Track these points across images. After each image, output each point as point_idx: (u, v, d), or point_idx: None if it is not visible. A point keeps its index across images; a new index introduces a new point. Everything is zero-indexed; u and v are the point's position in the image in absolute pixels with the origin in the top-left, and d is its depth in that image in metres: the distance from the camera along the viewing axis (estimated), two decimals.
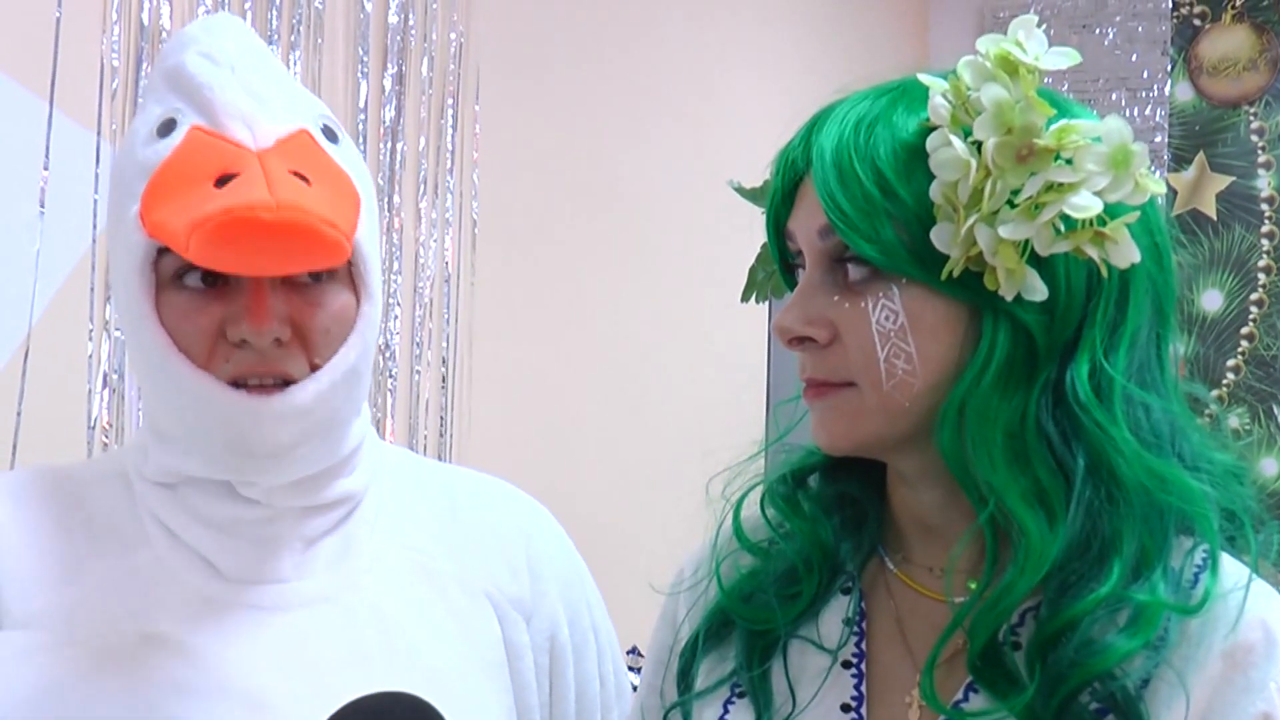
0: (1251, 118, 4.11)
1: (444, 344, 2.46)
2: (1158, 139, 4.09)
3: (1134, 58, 4.17)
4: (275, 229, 0.97)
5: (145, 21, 1.96)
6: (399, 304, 2.38)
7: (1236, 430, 1.06)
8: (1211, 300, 4.11)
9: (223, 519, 1.09)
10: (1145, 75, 4.19)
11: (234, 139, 1.03)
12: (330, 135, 1.10)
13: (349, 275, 1.08)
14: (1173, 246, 0.95)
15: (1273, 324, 4.10)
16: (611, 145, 2.96)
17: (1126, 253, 0.88)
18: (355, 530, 1.14)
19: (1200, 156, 4.13)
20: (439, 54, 2.46)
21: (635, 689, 1.20)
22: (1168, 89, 4.16)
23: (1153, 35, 4.18)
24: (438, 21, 2.46)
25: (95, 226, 1.88)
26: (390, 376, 2.31)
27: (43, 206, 1.82)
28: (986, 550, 0.92)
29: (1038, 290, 0.89)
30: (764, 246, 1.06)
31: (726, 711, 1.00)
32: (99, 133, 1.89)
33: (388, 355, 2.32)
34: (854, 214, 0.91)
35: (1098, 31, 4.19)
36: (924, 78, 0.92)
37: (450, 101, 2.47)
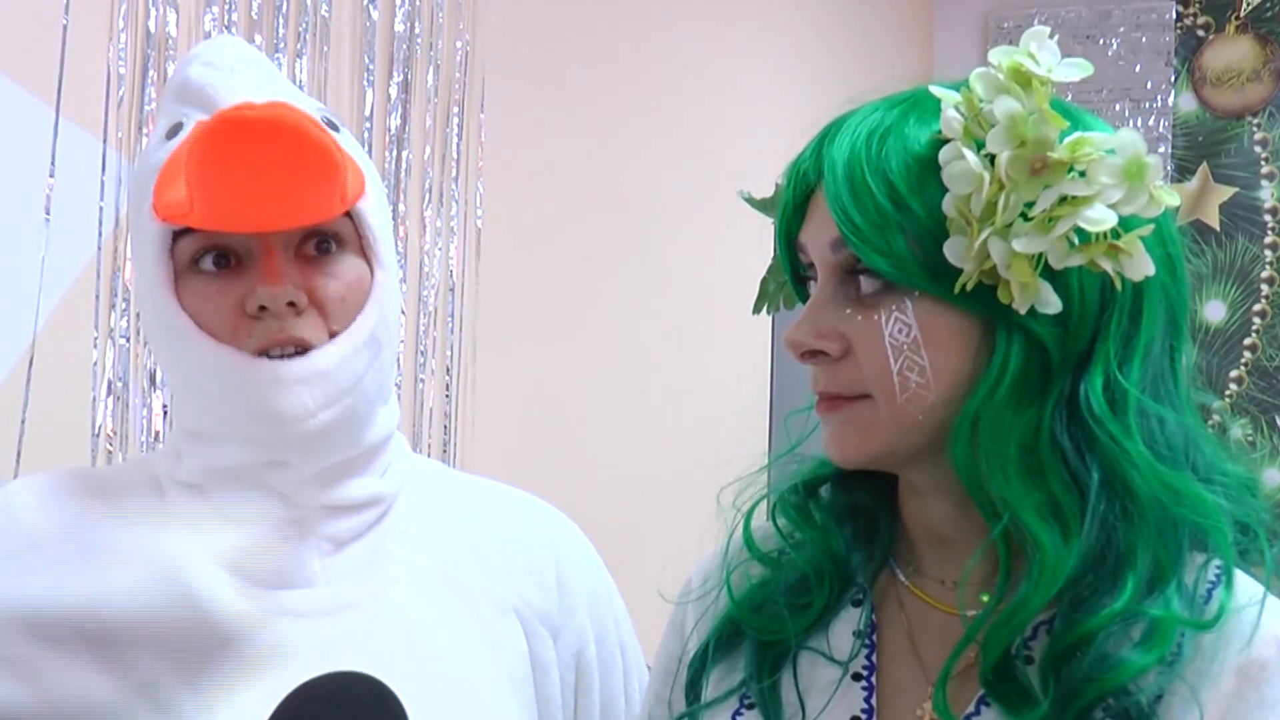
0: (1255, 128, 4.12)
1: (448, 352, 2.46)
2: (1161, 150, 4.10)
3: (1138, 68, 4.17)
4: (262, 125, 1.00)
5: (152, 29, 1.96)
6: (403, 311, 2.38)
7: (1251, 441, 1.06)
8: (1214, 311, 4.11)
9: (253, 517, 1.09)
10: (1149, 86, 4.19)
11: None
12: (332, 126, 1.13)
13: (360, 247, 1.11)
14: (1185, 257, 0.95)
15: (1276, 335, 4.10)
16: (617, 153, 2.96)
17: (1141, 266, 0.88)
18: (385, 538, 1.14)
19: (1203, 167, 4.14)
20: (445, 62, 2.46)
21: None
22: (1171, 100, 4.17)
23: (1156, 46, 4.18)
24: (444, 30, 2.46)
25: (100, 234, 1.88)
26: (394, 385, 2.31)
27: (48, 214, 1.82)
28: (1000, 564, 0.92)
29: (1051, 303, 0.88)
30: (775, 258, 1.06)
31: None
32: (105, 140, 1.89)
33: None
34: (866, 227, 0.90)
35: (1101, 42, 4.20)
36: (936, 89, 0.92)
37: (456, 110, 2.47)
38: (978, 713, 0.92)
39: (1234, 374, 4.12)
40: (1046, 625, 0.92)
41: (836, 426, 0.95)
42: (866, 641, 0.98)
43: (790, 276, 1.00)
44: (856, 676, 0.97)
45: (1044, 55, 0.89)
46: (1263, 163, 4.10)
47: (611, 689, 1.23)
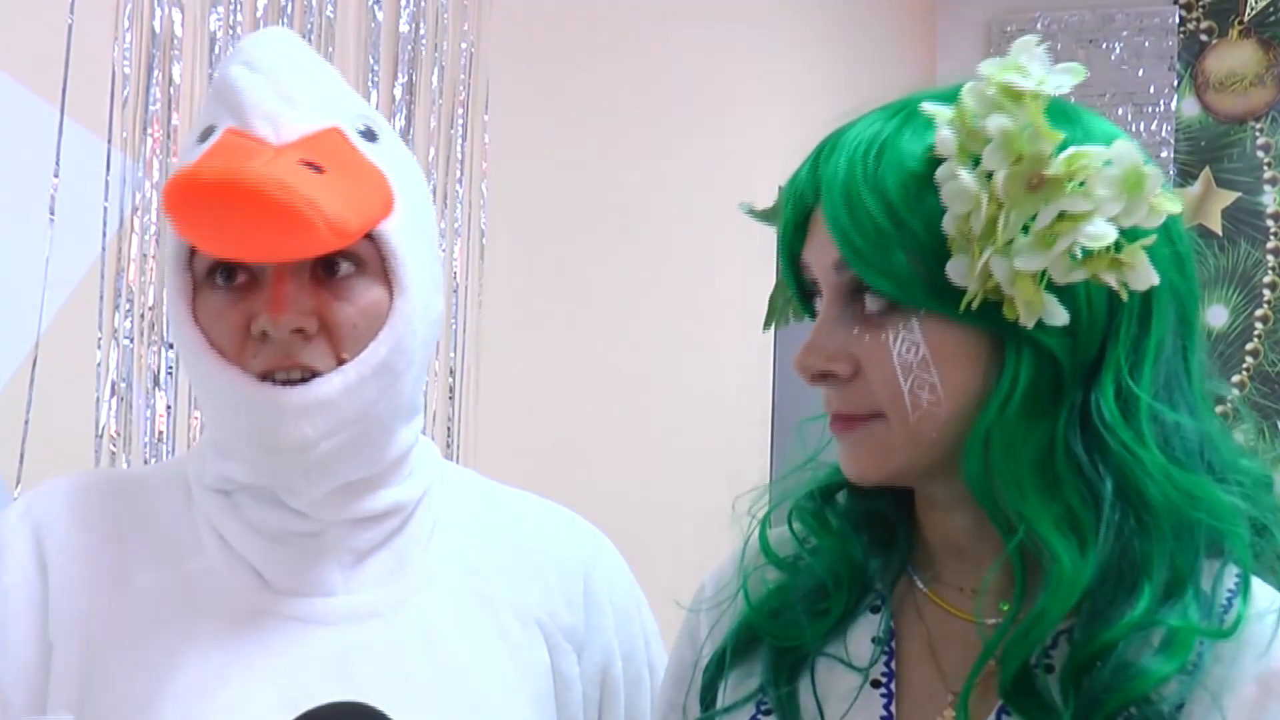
0: (1258, 133, 4.11)
1: (451, 354, 2.45)
2: (1163, 154, 4.09)
3: (1140, 73, 4.17)
4: (213, 190, 0.97)
5: (157, 29, 1.95)
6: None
7: (1252, 447, 1.05)
8: (1216, 316, 4.11)
9: (273, 529, 1.09)
10: (1151, 90, 4.19)
11: (258, 136, 1.04)
12: (369, 135, 1.10)
13: (382, 270, 1.07)
14: (1195, 254, 0.94)
15: (1278, 340, 4.09)
16: (621, 157, 2.96)
17: (1145, 276, 0.87)
18: (408, 547, 1.13)
19: (1206, 172, 4.13)
20: (449, 64, 2.46)
21: None
22: (1174, 104, 4.16)
23: (1159, 50, 4.18)
24: (448, 32, 2.46)
25: (105, 235, 1.88)
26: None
27: (52, 214, 1.81)
28: (1015, 576, 0.92)
29: (1058, 315, 0.87)
30: (780, 274, 1.05)
31: None
32: (109, 140, 1.89)
33: None
34: (867, 248, 0.89)
35: (1104, 46, 4.19)
36: (928, 107, 0.90)
37: (460, 111, 2.47)
38: None
39: (1236, 379, 4.11)
40: (1066, 634, 0.91)
41: (852, 446, 0.94)
42: (885, 648, 0.98)
43: (796, 293, 0.99)
44: (875, 683, 0.97)
45: (1034, 66, 0.87)
46: (1265, 168, 4.09)
47: (638, 707, 1.22)
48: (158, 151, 1.96)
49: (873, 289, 0.90)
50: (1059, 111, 0.90)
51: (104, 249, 1.88)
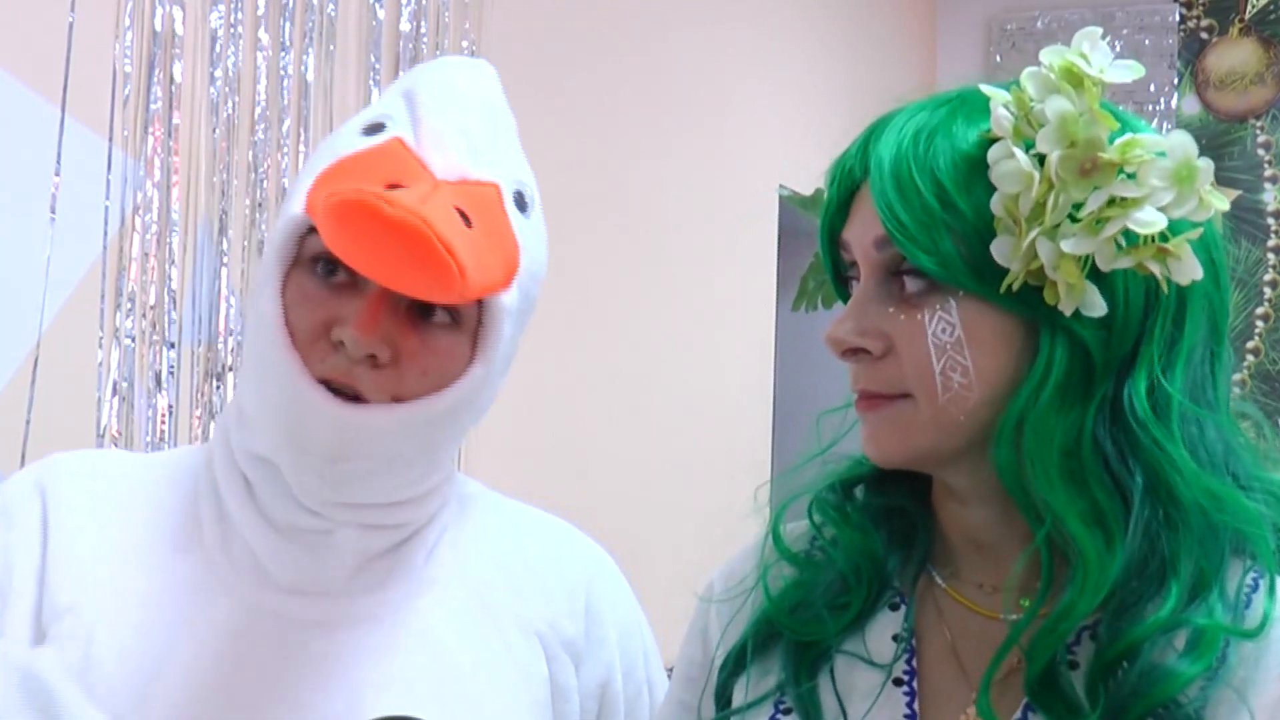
0: (1258, 131, 4.11)
1: None
2: None
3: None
4: (390, 225, 0.96)
5: (158, 28, 1.94)
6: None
7: (1262, 431, 1.06)
8: None
9: (283, 521, 1.08)
10: (1152, 88, 4.19)
11: (424, 160, 1.03)
12: (520, 203, 1.09)
13: (474, 332, 1.06)
14: (1229, 264, 0.94)
15: (1278, 339, 4.09)
16: (622, 156, 2.96)
17: (1189, 269, 0.87)
18: (412, 553, 1.12)
19: None
20: None
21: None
22: (1174, 102, 4.16)
23: (1160, 48, 4.18)
24: (449, 30, 2.45)
25: (106, 234, 1.87)
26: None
27: (53, 213, 1.80)
28: (1042, 569, 0.91)
29: (1097, 306, 0.87)
30: (816, 255, 1.05)
31: None
32: (110, 139, 1.88)
33: None
34: (912, 226, 0.89)
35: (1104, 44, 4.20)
36: (986, 88, 0.91)
37: None
38: (1024, 718, 0.91)
39: (1236, 378, 4.12)
40: (1090, 630, 0.91)
41: (876, 425, 0.94)
42: (907, 646, 0.97)
43: (832, 275, 0.99)
44: (897, 681, 0.96)
45: (1096, 56, 0.88)
46: (1266, 165, 4.09)
47: None
48: (159, 150, 1.95)
49: (915, 267, 0.90)
50: (1109, 111, 0.90)
51: (105, 248, 1.87)
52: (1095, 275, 0.87)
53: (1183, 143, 0.86)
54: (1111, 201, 0.86)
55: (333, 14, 2.23)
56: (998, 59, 4.27)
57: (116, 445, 1.87)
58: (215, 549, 1.09)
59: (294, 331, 1.03)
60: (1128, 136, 0.87)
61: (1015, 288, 0.88)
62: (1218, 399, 0.93)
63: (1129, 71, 0.89)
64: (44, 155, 1.80)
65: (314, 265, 1.05)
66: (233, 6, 2.05)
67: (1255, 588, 0.90)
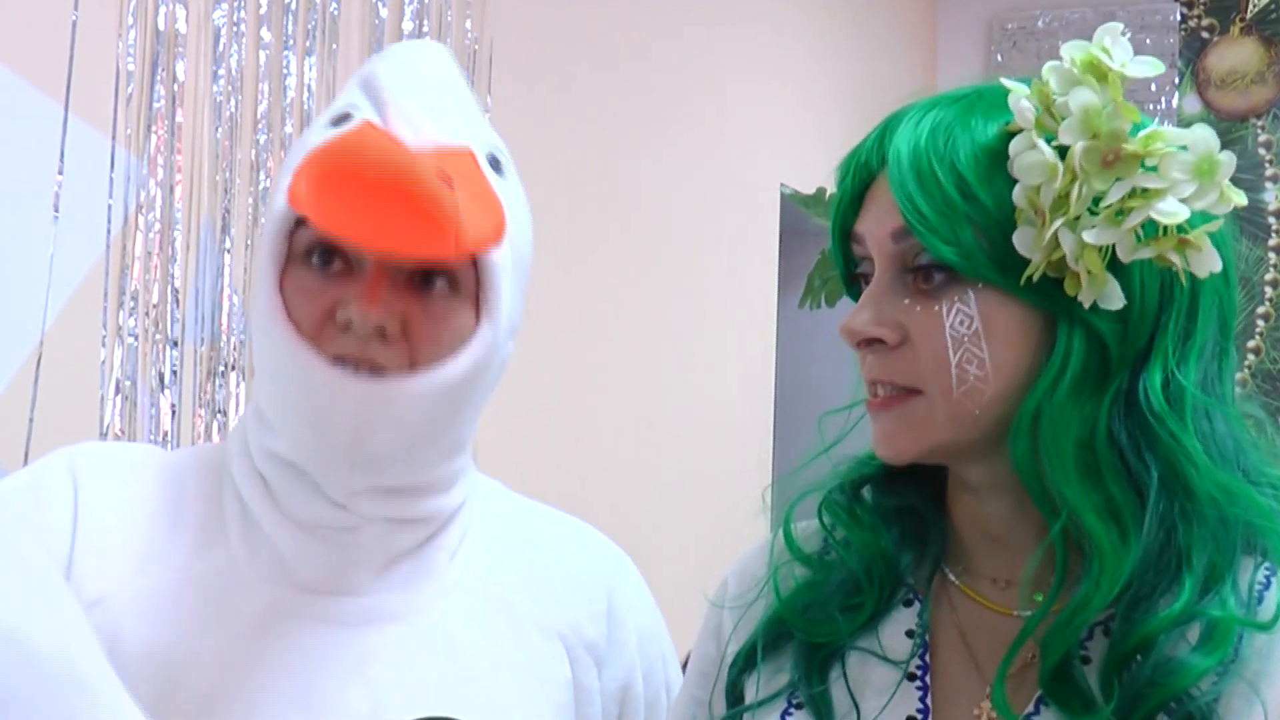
0: (1259, 131, 4.11)
1: None
2: None
3: None
4: (377, 178, 0.98)
5: (161, 26, 1.94)
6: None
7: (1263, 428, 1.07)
8: None
9: (308, 519, 1.07)
10: (1153, 88, 4.19)
11: (396, 135, 1.04)
12: (495, 165, 1.10)
13: (474, 296, 1.06)
14: (1237, 263, 0.94)
15: (1279, 338, 4.10)
16: (625, 153, 2.96)
17: (1209, 261, 0.87)
18: (435, 553, 1.12)
19: None
20: None
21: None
22: (1175, 102, 4.16)
23: (1161, 47, 4.18)
24: (451, 29, 2.45)
25: (109, 232, 1.87)
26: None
27: (57, 211, 1.80)
28: (1057, 563, 0.91)
29: (1116, 298, 0.88)
30: (823, 253, 1.05)
31: None
32: (114, 137, 1.88)
33: None
34: (933, 217, 0.89)
35: None
36: (1006, 81, 0.91)
37: None
38: (1037, 712, 0.91)
39: (1238, 377, 4.11)
40: (1102, 625, 0.91)
41: (889, 424, 0.94)
42: (921, 642, 0.97)
43: (841, 270, 0.99)
44: (911, 677, 0.96)
45: (1117, 51, 0.89)
46: (1267, 165, 4.09)
47: None
48: (162, 149, 1.95)
49: (933, 259, 0.90)
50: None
51: (108, 246, 1.87)
52: (1112, 268, 0.88)
53: (1205, 136, 0.87)
54: (1133, 193, 0.86)
55: (335, 13, 2.23)
56: (998, 58, 4.27)
57: None
58: (239, 547, 1.09)
59: (299, 324, 1.04)
60: (1150, 129, 0.88)
61: (1036, 279, 0.88)
62: (1225, 395, 0.93)
63: (1150, 67, 0.89)
64: (47, 154, 1.80)
65: (308, 258, 1.05)
66: (236, 5, 2.05)
67: (1268, 584, 0.91)
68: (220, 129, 2.03)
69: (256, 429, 1.10)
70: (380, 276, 1.03)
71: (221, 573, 1.07)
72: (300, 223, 1.05)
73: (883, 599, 0.98)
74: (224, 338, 2.02)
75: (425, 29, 2.39)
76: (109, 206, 1.87)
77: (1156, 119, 0.93)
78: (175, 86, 1.96)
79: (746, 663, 1.01)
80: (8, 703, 0.77)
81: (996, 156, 0.89)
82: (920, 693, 0.95)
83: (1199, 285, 0.90)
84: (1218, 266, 0.88)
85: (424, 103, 1.07)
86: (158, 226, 1.93)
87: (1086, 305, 0.88)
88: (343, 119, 1.07)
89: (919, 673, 0.96)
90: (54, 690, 0.80)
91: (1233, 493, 0.89)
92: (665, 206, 3.10)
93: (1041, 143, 0.87)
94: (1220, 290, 0.92)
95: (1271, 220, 4.10)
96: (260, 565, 1.08)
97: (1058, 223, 0.86)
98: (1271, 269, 4.09)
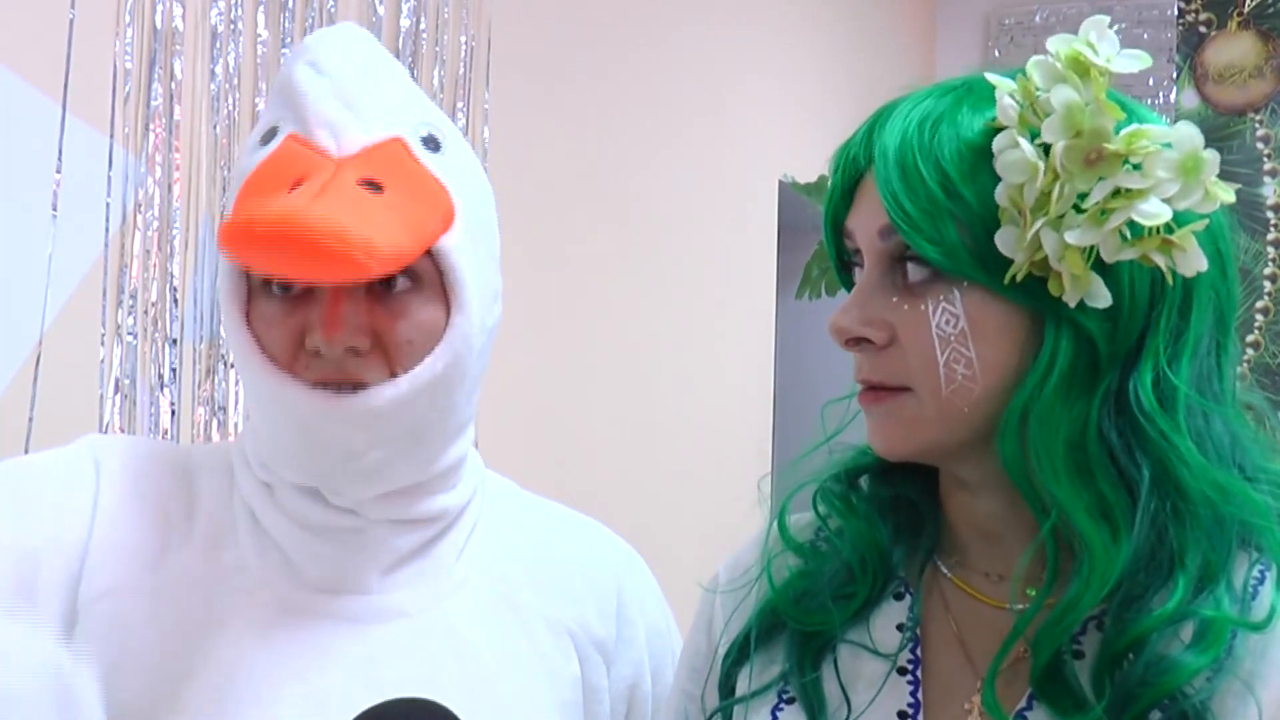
0: (1258, 125, 4.11)
1: None
2: None
3: None
4: (267, 238, 0.97)
5: (158, 24, 1.94)
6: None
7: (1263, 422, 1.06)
8: None
9: (316, 522, 1.08)
10: (1150, 82, 4.19)
11: (319, 147, 1.03)
12: (432, 143, 1.08)
13: (440, 285, 1.06)
14: (1236, 255, 0.93)
15: (1278, 331, 4.10)
16: (623, 153, 2.95)
17: (1194, 261, 0.87)
18: (443, 551, 1.12)
19: None
20: (450, 58, 2.45)
21: None
22: (1173, 96, 4.16)
23: (1158, 42, 4.18)
24: (449, 27, 2.45)
25: (108, 231, 1.87)
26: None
27: (55, 210, 1.80)
28: (1048, 560, 0.91)
29: (1102, 297, 0.87)
30: (820, 243, 1.05)
31: (775, 717, 0.98)
32: (111, 136, 1.88)
33: None
34: (917, 214, 0.89)
35: None
36: (991, 77, 0.90)
37: (461, 106, 2.46)
38: (1029, 708, 0.91)
39: (1237, 370, 4.12)
40: (1096, 620, 0.90)
41: (880, 419, 0.94)
42: (911, 635, 0.97)
43: (835, 262, 0.98)
44: (901, 670, 0.96)
45: (1103, 45, 0.88)
46: (1265, 159, 4.09)
47: None
48: (160, 147, 1.95)
49: (919, 256, 0.90)
50: (1116, 101, 0.89)
51: (107, 245, 1.87)
52: (1100, 266, 0.87)
53: (1189, 134, 0.86)
54: (1116, 192, 0.85)
55: (333, 9, 2.23)
56: (996, 53, 4.27)
57: None
58: (248, 546, 1.09)
59: (274, 356, 1.04)
60: (1133, 127, 0.86)
61: (1019, 278, 0.87)
62: (1224, 391, 0.93)
63: (1136, 61, 0.88)
64: (45, 152, 1.80)
65: (268, 287, 1.05)
66: (233, 2, 2.05)
67: (1262, 580, 0.90)
68: (218, 127, 2.03)
69: (255, 446, 1.11)
70: (337, 296, 1.02)
71: (233, 571, 1.08)
72: None
73: (874, 590, 0.98)
74: (223, 335, 2.02)
75: (423, 26, 2.39)
76: (107, 205, 1.87)
77: (1154, 113, 0.92)
78: (173, 84, 1.96)
79: (739, 655, 1.01)
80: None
81: (981, 153, 0.89)
82: (911, 687, 0.95)
83: (1193, 281, 0.89)
84: (1204, 266, 0.87)
85: (342, 102, 1.05)
86: (156, 225, 1.93)
87: (1072, 305, 0.87)
88: (270, 135, 1.06)
89: (910, 667, 0.96)
90: None
91: (1227, 491, 0.88)
92: (664, 200, 3.10)
93: (1024, 141, 0.86)
94: (1216, 284, 0.91)
95: (1270, 214, 4.09)
96: (270, 565, 1.08)
97: (1039, 223, 0.85)
98: (1270, 263, 4.10)
